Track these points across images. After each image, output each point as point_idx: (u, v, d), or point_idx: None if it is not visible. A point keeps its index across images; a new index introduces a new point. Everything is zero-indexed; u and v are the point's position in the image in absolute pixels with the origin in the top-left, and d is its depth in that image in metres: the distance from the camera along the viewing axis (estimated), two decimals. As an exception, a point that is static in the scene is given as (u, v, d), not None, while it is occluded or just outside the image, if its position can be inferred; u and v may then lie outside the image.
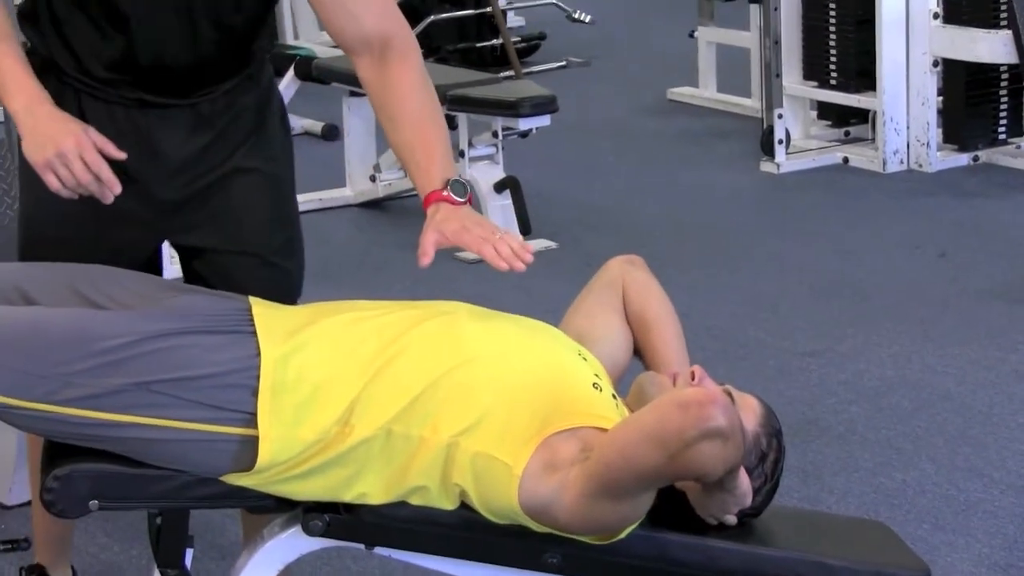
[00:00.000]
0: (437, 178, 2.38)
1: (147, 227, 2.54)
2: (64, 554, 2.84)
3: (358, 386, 2.17)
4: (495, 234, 2.32)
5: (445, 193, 2.36)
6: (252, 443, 2.15)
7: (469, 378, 2.19)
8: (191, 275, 2.59)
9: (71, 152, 2.30)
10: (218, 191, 2.55)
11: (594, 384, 2.26)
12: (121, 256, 2.46)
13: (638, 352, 2.48)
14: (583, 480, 2.12)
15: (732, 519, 2.26)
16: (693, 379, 2.29)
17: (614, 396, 2.29)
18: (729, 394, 2.28)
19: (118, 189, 2.33)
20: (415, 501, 2.20)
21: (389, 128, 2.48)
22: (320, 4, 2.45)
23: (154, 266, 2.61)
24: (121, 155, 2.36)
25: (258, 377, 2.16)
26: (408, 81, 2.48)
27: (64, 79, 2.47)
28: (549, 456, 2.15)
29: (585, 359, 2.32)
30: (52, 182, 2.32)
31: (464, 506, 2.21)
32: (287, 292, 2.44)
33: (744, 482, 2.20)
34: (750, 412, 2.28)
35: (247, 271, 2.56)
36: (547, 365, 2.25)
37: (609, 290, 2.49)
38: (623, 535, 2.21)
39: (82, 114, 2.45)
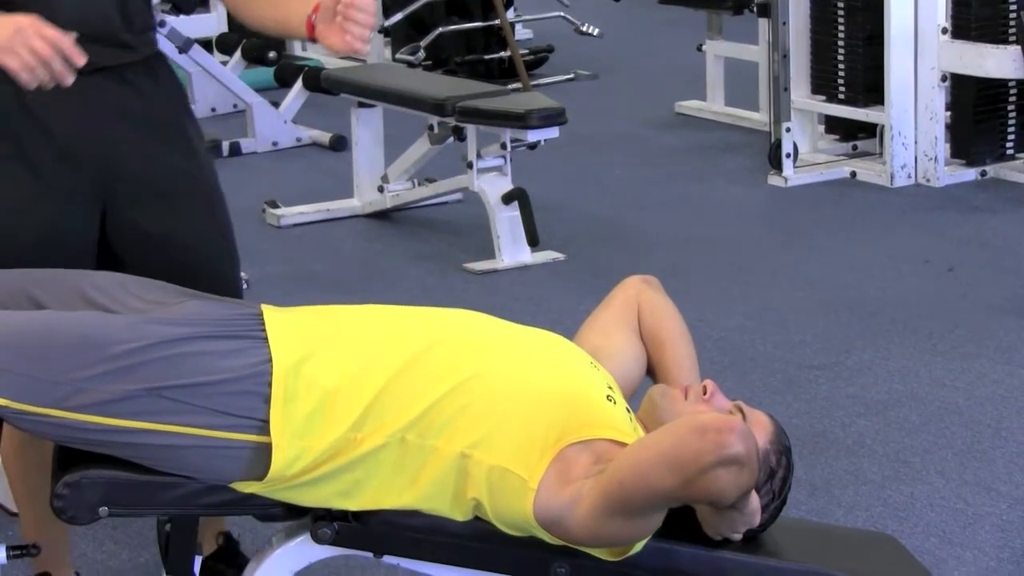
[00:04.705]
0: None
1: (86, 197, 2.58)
2: (65, 556, 2.85)
3: (371, 393, 2.17)
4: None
5: None
6: (263, 450, 2.16)
7: (483, 389, 2.19)
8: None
9: (28, 29, 2.30)
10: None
11: (608, 396, 2.26)
12: (69, 238, 2.53)
13: (651, 371, 2.49)
14: (596, 496, 2.12)
15: (738, 536, 2.26)
16: (705, 393, 2.30)
17: (628, 409, 2.29)
18: (740, 409, 2.29)
19: (81, 60, 2.33)
20: (425, 511, 2.20)
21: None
22: None
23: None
24: (81, 59, 2.34)
25: (270, 384, 2.16)
26: None
27: None
28: (564, 468, 2.15)
29: (598, 370, 2.33)
30: (13, 65, 2.30)
31: (475, 517, 2.21)
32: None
33: (754, 502, 2.20)
34: (760, 429, 2.28)
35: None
36: (561, 376, 2.25)
37: (625, 308, 2.51)
38: (635, 551, 2.21)
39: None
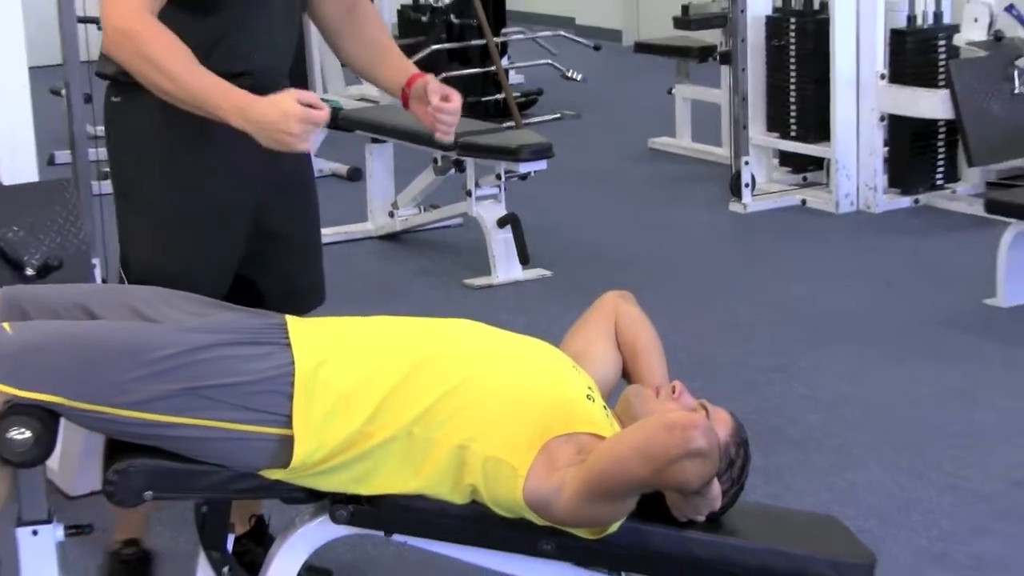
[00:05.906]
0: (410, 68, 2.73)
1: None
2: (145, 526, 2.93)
3: (381, 393, 2.18)
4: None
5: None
6: (287, 442, 2.16)
7: (479, 389, 2.20)
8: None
9: (298, 127, 2.34)
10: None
11: (587, 395, 2.27)
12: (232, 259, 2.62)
13: (626, 374, 2.49)
14: (578, 483, 2.13)
15: (702, 518, 2.27)
16: (674, 392, 2.31)
17: (605, 407, 2.30)
18: (704, 407, 2.30)
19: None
20: (429, 495, 2.21)
21: (356, 44, 2.74)
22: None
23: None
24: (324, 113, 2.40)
25: (292, 384, 2.17)
26: (374, 16, 2.80)
27: None
28: (549, 459, 2.16)
29: (580, 373, 2.33)
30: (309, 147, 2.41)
31: (473, 500, 2.22)
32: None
33: (716, 489, 2.21)
34: (722, 424, 2.29)
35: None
36: (547, 378, 2.26)
37: (604, 319, 2.51)
38: (611, 530, 2.22)
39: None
